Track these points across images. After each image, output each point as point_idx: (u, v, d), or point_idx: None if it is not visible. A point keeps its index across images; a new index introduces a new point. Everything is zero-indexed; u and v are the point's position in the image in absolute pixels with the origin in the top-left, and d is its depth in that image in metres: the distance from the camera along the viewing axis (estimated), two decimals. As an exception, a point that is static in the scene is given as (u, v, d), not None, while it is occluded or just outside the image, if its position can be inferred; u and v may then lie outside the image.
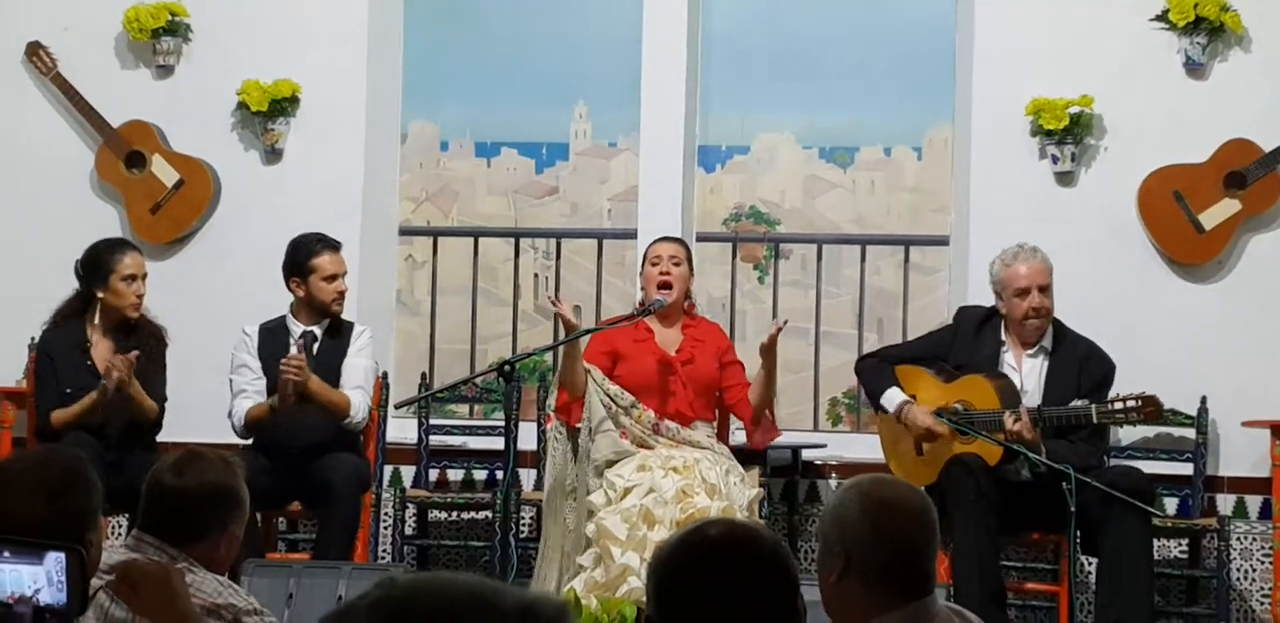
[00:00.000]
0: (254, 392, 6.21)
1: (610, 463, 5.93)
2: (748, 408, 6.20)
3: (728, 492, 5.80)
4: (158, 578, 3.14)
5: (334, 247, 6.30)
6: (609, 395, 6.06)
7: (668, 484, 5.75)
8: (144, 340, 6.23)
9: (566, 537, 6.00)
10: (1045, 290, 6.10)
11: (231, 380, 6.29)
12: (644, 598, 5.50)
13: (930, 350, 6.23)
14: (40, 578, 2.71)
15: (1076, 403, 5.88)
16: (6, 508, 2.99)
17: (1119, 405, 5.80)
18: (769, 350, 6.04)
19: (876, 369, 6.24)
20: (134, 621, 3.31)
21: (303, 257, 6.26)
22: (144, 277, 6.29)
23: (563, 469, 6.10)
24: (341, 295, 6.29)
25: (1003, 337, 6.15)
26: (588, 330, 6.29)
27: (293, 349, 6.16)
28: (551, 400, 6.27)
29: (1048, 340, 6.13)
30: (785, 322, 6.17)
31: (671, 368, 6.19)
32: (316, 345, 6.22)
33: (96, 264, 6.27)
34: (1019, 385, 6.03)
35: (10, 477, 3.08)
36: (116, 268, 6.24)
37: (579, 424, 6.06)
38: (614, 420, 6.02)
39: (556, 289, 7.51)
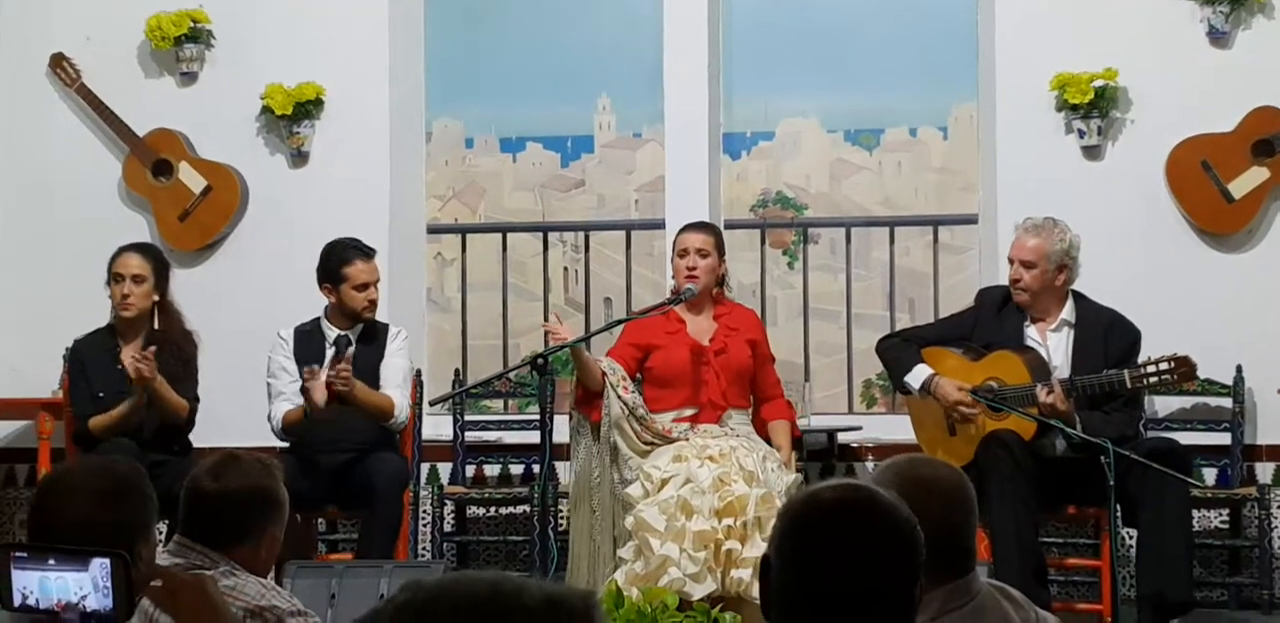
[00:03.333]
0: (291, 394, 6.19)
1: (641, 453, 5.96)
2: (784, 420, 6.25)
3: (765, 478, 5.80)
4: (194, 587, 3.15)
5: (368, 254, 6.26)
6: (624, 402, 6.05)
7: (704, 474, 5.75)
8: (167, 344, 6.19)
9: (595, 528, 6.01)
10: (1028, 265, 5.98)
11: (269, 385, 6.29)
12: (684, 588, 5.54)
13: (953, 333, 6.16)
14: (85, 584, 2.73)
15: (1109, 371, 5.83)
16: (61, 510, 3.03)
17: (1151, 368, 5.75)
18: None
19: (900, 349, 6.15)
20: (176, 626, 3.33)
21: (335, 263, 6.24)
22: (136, 277, 6.25)
23: (586, 463, 6.10)
24: (373, 303, 6.27)
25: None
26: (619, 321, 6.29)
27: (328, 354, 6.16)
28: (571, 397, 6.26)
29: (1069, 314, 6.06)
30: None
31: (704, 358, 6.18)
32: (352, 350, 6.20)
33: (108, 266, 6.32)
34: (1046, 360, 5.99)
35: (68, 480, 3.12)
36: (111, 268, 6.29)
37: (600, 420, 6.06)
38: (627, 423, 6.03)
39: (586, 281, 7.52)
